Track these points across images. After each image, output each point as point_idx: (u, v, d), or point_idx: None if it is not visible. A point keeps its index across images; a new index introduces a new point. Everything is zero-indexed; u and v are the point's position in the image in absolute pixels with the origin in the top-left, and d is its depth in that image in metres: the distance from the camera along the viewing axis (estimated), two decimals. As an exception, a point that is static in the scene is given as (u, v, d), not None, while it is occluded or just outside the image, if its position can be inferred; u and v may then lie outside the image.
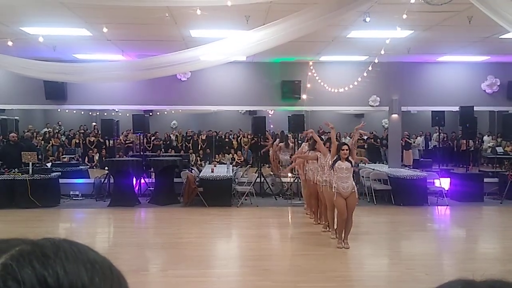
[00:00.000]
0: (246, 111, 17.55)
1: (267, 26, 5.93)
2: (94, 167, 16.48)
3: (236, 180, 11.15)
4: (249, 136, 18.61)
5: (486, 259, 6.56)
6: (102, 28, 8.04)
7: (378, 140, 18.20)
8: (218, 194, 10.17)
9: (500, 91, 12.16)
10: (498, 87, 12.13)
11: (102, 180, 11.33)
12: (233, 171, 11.41)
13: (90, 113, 19.02)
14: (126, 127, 16.46)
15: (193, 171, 11.84)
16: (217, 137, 19.21)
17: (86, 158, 17.34)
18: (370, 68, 10.73)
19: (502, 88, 12.13)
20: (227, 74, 12.02)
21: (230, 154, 17.81)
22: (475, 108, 11.50)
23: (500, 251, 7.11)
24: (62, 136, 18.87)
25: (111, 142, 14.81)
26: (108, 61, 10.63)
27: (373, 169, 11.37)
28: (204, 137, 18.95)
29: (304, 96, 11.88)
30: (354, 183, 6.73)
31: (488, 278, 0.63)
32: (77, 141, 18.09)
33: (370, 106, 12.20)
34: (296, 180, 11.19)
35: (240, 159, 17.68)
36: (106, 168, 11.63)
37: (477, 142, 17.11)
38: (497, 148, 16.55)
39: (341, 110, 16.76)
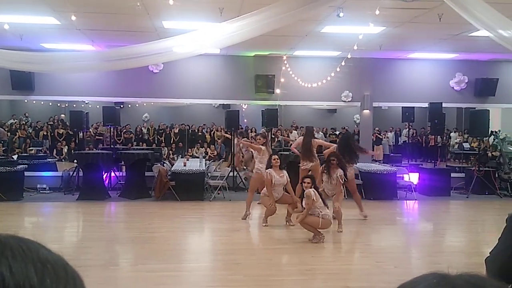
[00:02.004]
0: (220, 104, 17.47)
1: (241, 18, 5.88)
2: (63, 160, 16.11)
3: (209, 174, 11.09)
4: (222, 130, 18.54)
5: (453, 252, 6.72)
6: (70, 17, 7.82)
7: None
8: (191, 188, 10.09)
9: (468, 88, 12.46)
10: (466, 84, 12.43)
11: (71, 173, 11.08)
12: (206, 165, 11.33)
13: (58, 105, 18.60)
14: (96, 119, 16.15)
15: (165, 164, 11.70)
16: (190, 131, 19.06)
17: (55, 150, 16.93)
18: (343, 64, 10.82)
19: (470, 85, 12.44)
20: (201, 67, 11.91)
21: (203, 148, 17.70)
22: (444, 105, 11.76)
23: (466, 244, 7.29)
24: (29, 128, 18.37)
25: (81, 134, 14.49)
26: (77, 51, 10.38)
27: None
28: (176, 131, 18.77)
29: (278, 91, 11.88)
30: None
31: (462, 272, 0.62)
32: (45, 133, 17.64)
33: (343, 101, 12.32)
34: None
35: (213, 153, 17.59)
36: (75, 161, 11.37)
37: (445, 138, 17.53)
38: (464, 144, 17.01)
39: (314, 105, 16.91)
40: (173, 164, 11.95)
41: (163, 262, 5.81)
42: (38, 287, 0.46)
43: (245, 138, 12.82)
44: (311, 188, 6.62)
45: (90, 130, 16.57)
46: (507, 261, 1.66)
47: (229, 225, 8.03)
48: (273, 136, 14.76)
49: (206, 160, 13.23)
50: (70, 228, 8.36)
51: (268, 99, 12.15)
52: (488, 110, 11.54)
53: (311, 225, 6.67)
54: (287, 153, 11.63)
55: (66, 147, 17.03)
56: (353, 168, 8.59)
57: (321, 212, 6.61)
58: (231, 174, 11.25)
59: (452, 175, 11.81)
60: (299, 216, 6.83)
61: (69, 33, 9.36)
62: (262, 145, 8.47)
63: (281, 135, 16.42)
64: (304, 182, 6.76)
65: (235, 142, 11.74)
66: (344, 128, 18.93)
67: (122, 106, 16.95)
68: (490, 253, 1.75)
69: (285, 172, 7.84)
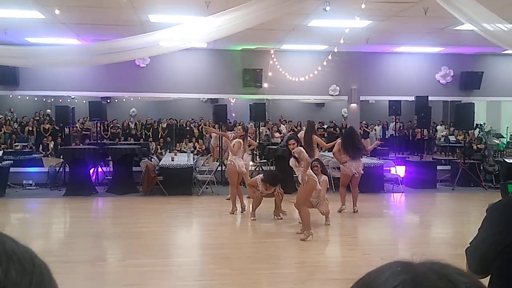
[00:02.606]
0: (208, 99, 17.40)
1: (228, 12, 5.86)
2: (49, 156, 15.94)
3: (197, 168, 11.07)
4: (210, 124, 18.47)
5: (438, 244, 6.81)
6: (54, 10, 7.72)
7: (338, 129, 18.49)
8: (179, 183, 10.06)
9: (454, 81, 12.59)
10: (452, 77, 12.54)
11: (57, 169, 10.98)
12: (194, 160, 11.31)
13: (44, 100, 18.38)
14: (83, 114, 16.01)
15: (152, 159, 11.65)
16: (178, 126, 18.97)
17: (41, 146, 16.74)
18: (330, 57, 10.84)
19: (455, 78, 12.56)
20: (188, 61, 11.86)
21: (191, 143, 17.64)
22: (430, 98, 11.86)
23: (452, 236, 7.39)
24: (15, 124, 18.14)
25: (67, 130, 14.35)
26: (62, 45, 10.26)
27: (332, 158, 11.53)
28: (164, 125, 18.67)
29: (265, 85, 11.88)
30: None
31: (426, 259, 0.64)
32: (31, 128, 17.42)
33: (330, 95, 12.36)
34: (257, 169, 11.23)
35: (201, 148, 17.55)
36: (61, 156, 11.27)
37: (431, 131, 17.70)
38: (449, 137, 17.19)
39: (302, 99, 16.93)
40: (161, 159, 11.91)
41: (151, 257, 5.81)
42: (2, 279, 0.46)
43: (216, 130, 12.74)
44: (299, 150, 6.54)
45: (77, 125, 16.41)
46: (486, 251, 1.68)
47: (217, 220, 8.04)
48: (261, 130, 14.78)
49: (194, 154, 13.21)
50: (56, 224, 8.30)
51: (256, 93, 12.14)
52: (473, 103, 11.67)
53: (305, 216, 6.64)
54: (275, 147, 11.66)
55: (52, 142, 16.85)
56: (361, 162, 8.54)
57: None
58: (219, 168, 11.24)
59: (438, 167, 11.94)
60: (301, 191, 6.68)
61: (54, 27, 9.25)
62: (240, 137, 8.38)
63: (275, 130, 16.48)
64: (290, 144, 6.64)
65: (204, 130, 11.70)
66: (332, 121, 19.01)
67: (109, 101, 16.82)
68: (470, 243, 1.78)
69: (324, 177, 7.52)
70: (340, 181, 8.62)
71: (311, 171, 6.68)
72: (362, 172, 8.44)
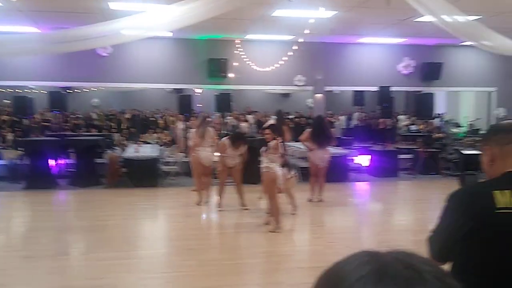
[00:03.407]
0: (173, 89, 17.19)
1: (191, 0, 5.77)
2: (7, 148, 15.38)
3: (162, 160, 10.94)
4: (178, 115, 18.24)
5: (400, 231, 7.01)
6: (11, -3, 7.42)
7: (303, 119, 18.62)
8: (144, 175, 9.92)
9: (415, 72, 12.89)
10: (413, 68, 12.84)
11: (17, 161, 10.62)
12: (159, 151, 11.16)
13: (2, 90, 17.70)
14: (43, 105, 15.50)
15: (116, 151, 11.43)
16: (142, 116, 18.66)
17: (-1, 138, 16.12)
18: (295, 48, 10.89)
19: (417, 69, 12.87)
20: (152, 50, 11.65)
21: (156, 134, 17.38)
22: (392, 88, 12.10)
23: (412, 222, 7.62)
24: (-30, 115, 17.38)
25: (27, 121, 13.88)
26: (20, 33, 9.87)
27: (299, 148, 11.63)
28: (128, 116, 18.32)
29: (231, 75, 11.82)
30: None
31: (392, 249, 0.66)
32: (-13, 120, 16.74)
33: (296, 85, 12.43)
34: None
35: (166, 139, 17.33)
36: (21, 148, 10.90)
37: (393, 120, 18.06)
38: (411, 126, 17.60)
39: (268, 90, 16.96)
40: (125, 150, 11.69)
41: (115, 250, 5.72)
42: None
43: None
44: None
45: (36, 116, 15.89)
46: (446, 239, 1.74)
47: (182, 211, 7.99)
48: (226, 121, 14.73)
49: (159, 145, 13.04)
50: (16, 218, 8.04)
51: (221, 83, 12.07)
52: (433, 93, 12.00)
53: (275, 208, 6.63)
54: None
55: (11, 134, 16.26)
56: (328, 151, 8.60)
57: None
58: (185, 159, 11.14)
59: (401, 156, 12.24)
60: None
61: (11, 15, 8.89)
62: (197, 127, 8.35)
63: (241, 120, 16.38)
64: (266, 134, 6.66)
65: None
66: (298, 112, 19.11)
67: (70, 91, 16.34)
68: (431, 231, 1.83)
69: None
70: (310, 171, 8.67)
71: (273, 163, 6.53)
72: (326, 164, 8.46)
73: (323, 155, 8.38)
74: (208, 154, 8.19)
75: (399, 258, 0.62)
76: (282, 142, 6.71)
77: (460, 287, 0.61)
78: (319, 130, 8.36)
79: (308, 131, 8.56)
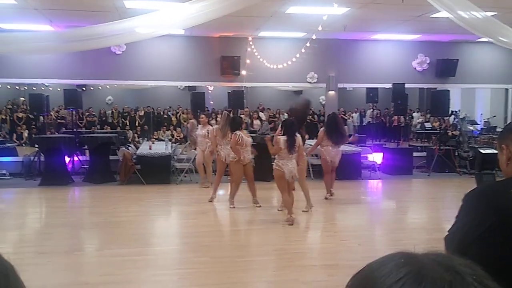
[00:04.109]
0: (185, 86, 17.24)
1: (204, -2, 5.78)
2: (23, 145, 15.60)
3: (175, 157, 10.99)
4: (188, 112, 18.33)
5: (414, 229, 6.95)
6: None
7: (316, 116, 18.56)
8: (157, 172, 9.99)
9: (430, 69, 12.74)
10: (428, 65, 12.69)
11: (32, 158, 10.76)
12: (172, 148, 11.21)
13: (17, 88, 17.93)
14: (58, 102, 15.68)
15: (130, 148, 11.51)
16: (155, 114, 18.76)
17: (14, 135, 16.35)
18: (308, 45, 10.83)
19: (432, 66, 12.71)
20: (165, 48, 11.69)
21: (169, 131, 17.48)
22: (406, 85, 11.98)
23: (427, 221, 7.54)
24: (-13, 112, 17.63)
25: (42, 118, 14.04)
26: (36, 31, 9.98)
27: (311, 145, 11.58)
28: (141, 114, 18.44)
29: (243, 72, 11.81)
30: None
31: (428, 251, 0.63)
32: (4, 117, 16.98)
33: (308, 82, 12.37)
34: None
35: (179, 136, 17.41)
36: (36, 145, 11.05)
37: (407, 118, 17.93)
38: (425, 123, 17.46)
39: (280, 87, 16.92)
40: (139, 148, 11.77)
41: (129, 246, 5.76)
42: None
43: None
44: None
45: (51, 113, 16.08)
46: (462, 238, 1.71)
47: (195, 208, 8.01)
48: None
49: (172, 143, 13.10)
50: (32, 214, 8.15)
51: (234, 80, 12.07)
52: (449, 90, 11.85)
53: (286, 202, 6.81)
54: (254, 135, 11.64)
55: (27, 131, 16.48)
56: (339, 150, 8.56)
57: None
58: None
59: (414, 154, 12.14)
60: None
61: (26, 13, 8.98)
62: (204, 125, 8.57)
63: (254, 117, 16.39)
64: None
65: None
66: (311, 109, 19.02)
67: (84, 88, 16.50)
68: (448, 231, 1.81)
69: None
70: (323, 168, 8.63)
71: (279, 161, 6.74)
72: (336, 160, 8.42)
73: (334, 154, 8.35)
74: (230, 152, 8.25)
75: (438, 260, 0.60)
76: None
77: None
78: (333, 128, 8.33)
79: (322, 130, 8.55)
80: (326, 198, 8.50)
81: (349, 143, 9.99)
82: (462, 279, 0.56)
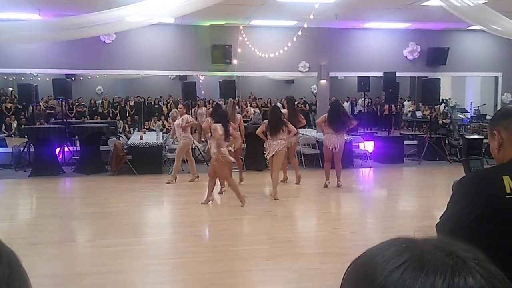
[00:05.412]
0: (176, 76, 17.13)
1: (195, -14, 5.71)
2: (12, 136, 15.45)
3: (167, 147, 10.95)
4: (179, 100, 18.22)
5: (405, 217, 7.00)
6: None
7: (307, 105, 18.57)
8: (148, 162, 9.95)
9: (420, 57, 12.76)
10: (419, 53, 12.71)
11: (22, 149, 10.66)
12: (163, 138, 11.15)
13: (5, 78, 17.71)
14: (47, 92, 15.50)
15: (121, 138, 11.45)
16: (146, 103, 18.64)
17: (3, 126, 16.18)
18: (299, 33, 10.78)
19: (422, 54, 12.73)
20: (156, 37, 11.57)
21: (160, 121, 17.39)
22: (397, 74, 12.00)
23: (418, 208, 7.61)
24: (-26, 103, 17.41)
25: (31, 108, 13.89)
26: (23, 20, 9.82)
27: (302, 134, 11.60)
28: (132, 103, 18.30)
29: (235, 61, 11.75)
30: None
31: (428, 236, 0.63)
32: (-8, 107, 16.78)
33: (300, 71, 12.34)
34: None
35: (170, 126, 17.31)
36: (26, 136, 10.94)
37: (398, 106, 18.00)
38: (416, 112, 17.53)
39: (272, 76, 16.88)
40: (129, 138, 11.71)
41: (121, 236, 5.75)
42: None
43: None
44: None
45: (40, 104, 15.91)
46: (454, 226, 1.72)
47: (188, 198, 8.01)
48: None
49: (163, 133, 13.05)
50: (22, 205, 8.09)
51: (225, 70, 12.00)
52: (439, 79, 11.89)
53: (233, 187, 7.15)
54: (245, 124, 11.61)
55: (16, 122, 16.31)
56: (344, 137, 8.62)
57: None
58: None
59: (405, 142, 12.19)
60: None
61: (14, 2, 8.83)
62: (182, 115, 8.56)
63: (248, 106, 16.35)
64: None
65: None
66: (302, 98, 19.04)
67: (73, 78, 16.30)
68: (439, 218, 1.81)
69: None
70: (324, 156, 8.72)
71: (224, 149, 6.96)
72: (341, 149, 8.50)
73: (335, 141, 8.40)
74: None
75: (439, 246, 0.59)
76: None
77: (501, 273, 0.58)
78: (336, 116, 8.36)
79: (324, 115, 8.57)
80: (325, 186, 8.54)
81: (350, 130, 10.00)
82: (464, 264, 0.56)
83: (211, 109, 11.71)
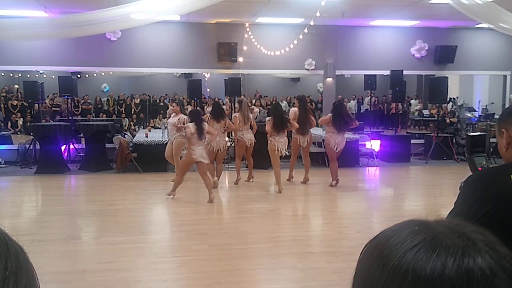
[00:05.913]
0: (182, 74, 17.11)
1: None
2: (18, 133, 15.49)
3: (172, 144, 10.91)
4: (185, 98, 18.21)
5: (412, 216, 6.88)
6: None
7: (313, 103, 18.49)
8: (153, 160, 9.93)
9: (428, 55, 12.66)
10: (426, 51, 12.61)
11: (27, 146, 10.68)
12: (168, 136, 11.11)
13: (11, 75, 17.77)
14: (53, 90, 15.53)
15: (126, 136, 11.44)
16: (152, 101, 18.64)
17: (9, 123, 16.23)
18: (305, 31, 10.72)
19: (430, 52, 12.63)
20: (161, 34, 11.56)
21: (165, 119, 17.36)
22: (405, 72, 11.91)
23: (424, 208, 7.53)
24: (-19, 100, 17.47)
25: (37, 106, 13.91)
26: (29, 17, 9.83)
27: (314, 134, 11.53)
28: (137, 101, 18.30)
29: (240, 59, 11.71)
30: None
31: (439, 218, 0.66)
32: (-2, 105, 16.84)
33: (306, 69, 12.28)
34: (232, 144, 11.15)
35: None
36: (31, 133, 10.96)
37: (405, 105, 17.89)
38: (423, 111, 17.41)
39: (278, 74, 16.82)
40: (135, 135, 11.70)
41: (126, 234, 5.73)
42: None
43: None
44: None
45: (46, 101, 15.94)
46: None
47: (193, 196, 7.98)
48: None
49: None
50: (28, 202, 8.10)
51: (231, 67, 11.96)
52: (447, 77, 11.79)
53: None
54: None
55: (21, 119, 16.35)
56: (344, 138, 8.59)
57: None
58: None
59: (412, 141, 12.11)
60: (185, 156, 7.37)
61: (19, -2, 8.84)
62: (241, 111, 8.55)
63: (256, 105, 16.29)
64: None
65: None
66: (308, 96, 18.94)
67: (79, 76, 16.34)
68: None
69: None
70: (329, 156, 8.69)
71: (195, 147, 7.17)
72: (341, 149, 8.49)
73: (339, 141, 8.36)
74: (252, 136, 8.64)
75: (451, 227, 0.62)
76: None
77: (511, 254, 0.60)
78: (339, 115, 8.32)
79: (329, 115, 8.52)
80: (331, 185, 8.49)
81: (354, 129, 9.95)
82: (474, 245, 0.58)
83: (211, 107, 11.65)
